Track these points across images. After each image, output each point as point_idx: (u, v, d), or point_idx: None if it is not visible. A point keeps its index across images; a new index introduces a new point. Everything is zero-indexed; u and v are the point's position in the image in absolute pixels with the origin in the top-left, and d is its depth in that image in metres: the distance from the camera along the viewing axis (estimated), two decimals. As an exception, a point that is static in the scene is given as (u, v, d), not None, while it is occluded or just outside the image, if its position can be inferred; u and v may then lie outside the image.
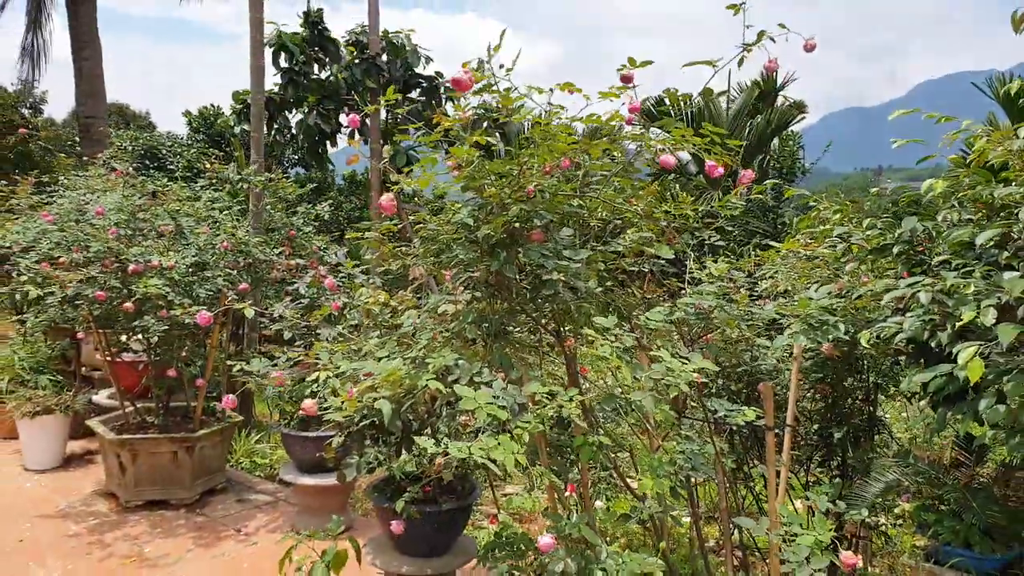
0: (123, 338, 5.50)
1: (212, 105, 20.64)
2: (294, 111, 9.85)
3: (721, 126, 2.59)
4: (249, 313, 4.19)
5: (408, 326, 2.77)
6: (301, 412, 2.83)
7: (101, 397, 6.70)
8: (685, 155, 2.55)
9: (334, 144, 10.45)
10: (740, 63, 2.51)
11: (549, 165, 2.58)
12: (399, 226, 5.30)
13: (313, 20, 9.29)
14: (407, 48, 9.70)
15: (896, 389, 4.23)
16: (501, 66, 2.83)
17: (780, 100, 14.09)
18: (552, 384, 2.30)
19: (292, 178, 10.30)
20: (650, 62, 2.42)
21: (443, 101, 9.81)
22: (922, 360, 3.22)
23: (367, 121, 10.18)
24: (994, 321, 2.37)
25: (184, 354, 5.04)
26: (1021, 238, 2.53)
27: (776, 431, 3.26)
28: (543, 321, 2.66)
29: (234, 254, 4.99)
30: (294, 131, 9.87)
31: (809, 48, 2.73)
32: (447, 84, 9.78)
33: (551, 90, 2.75)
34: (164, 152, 15.98)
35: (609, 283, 2.77)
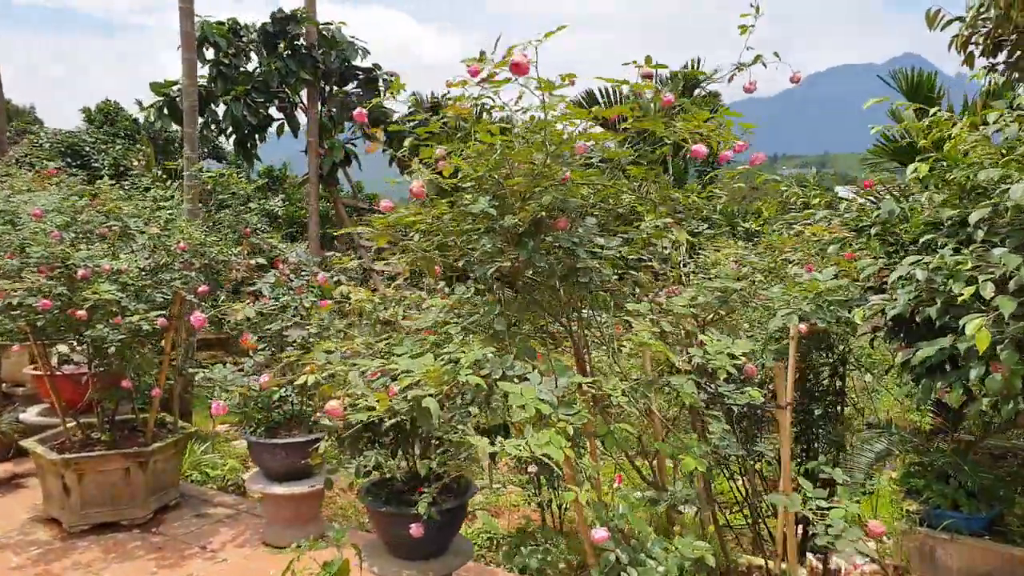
0: (63, 348, 5.11)
1: (109, 100, 19.49)
2: (220, 104, 9.42)
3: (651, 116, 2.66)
4: (250, 313, 3.97)
5: (429, 322, 2.68)
6: (316, 414, 2.69)
7: (30, 415, 6.22)
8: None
9: (263, 139, 10.07)
10: (710, 66, 2.56)
11: (569, 151, 2.56)
12: (361, 220, 5.14)
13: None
14: (340, 40, 9.43)
15: (860, 363, 4.44)
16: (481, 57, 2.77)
17: (697, 91, 14.56)
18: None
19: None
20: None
21: (382, 94, 9.61)
22: (902, 335, 3.39)
23: (304, 114, 9.87)
24: (993, 294, 2.51)
25: (138, 363, 4.73)
26: (1006, 217, 2.69)
27: (768, 410, 3.37)
28: (566, 310, 2.64)
29: (190, 255, 4.72)
30: (222, 125, 9.44)
31: (795, 80, 2.81)
32: (386, 76, 9.59)
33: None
34: (88, 150, 14.91)
35: (622, 270, 2.78)
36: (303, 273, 4.79)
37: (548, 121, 2.41)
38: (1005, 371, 2.51)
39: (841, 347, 4.06)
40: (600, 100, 13.48)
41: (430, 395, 2.09)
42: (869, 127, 5.22)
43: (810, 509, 2.39)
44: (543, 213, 2.47)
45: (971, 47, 6.01)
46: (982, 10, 5.91)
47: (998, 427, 3.27)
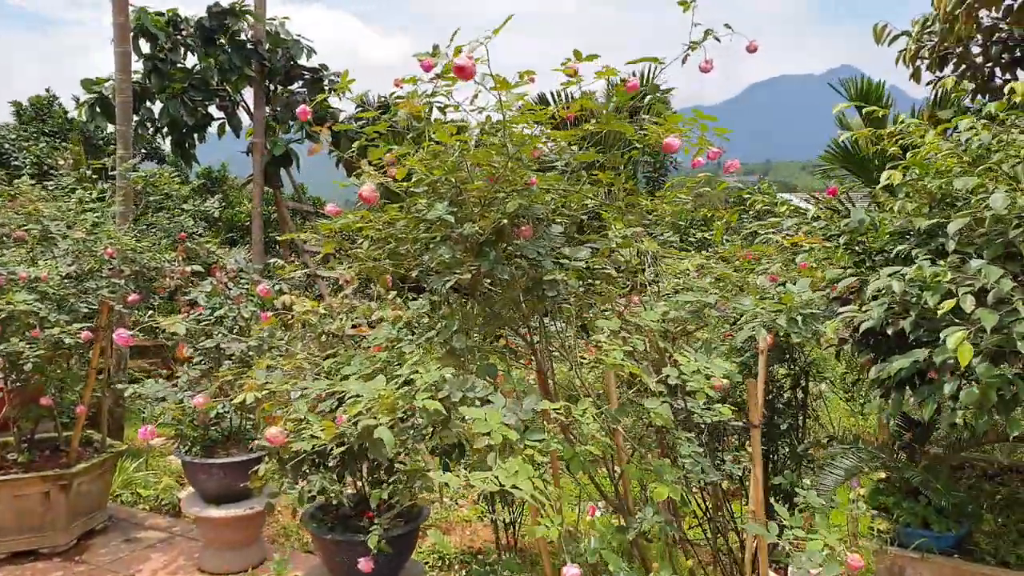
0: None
1: (47, 91, 18.47)
2: (156, 101, 8.93)
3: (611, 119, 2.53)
4: (180, 330, 3.66)
5: (380, 339, 2.45)
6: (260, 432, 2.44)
7: (-67, 436, 5.71)
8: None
9: (202, 139, 9.61)
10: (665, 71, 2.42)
11: (528, 155, 2.38)
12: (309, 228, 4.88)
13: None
14: (286, 38, 9.06)
15: (822, 375, 4.37)
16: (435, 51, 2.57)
17: (647, 98, 14.60)
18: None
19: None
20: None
21: (327, 94, 9.26)
22: (870, 348, 3.30)
23: (248, 114, 9.46)
24: (973, 307, 2.42)
25: (60, 378, 4.36)
26: (983, 227, 2.61)
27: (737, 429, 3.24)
28: (528, 323, 2.45)
29: (119, 261, 4.36)
30: (158, 123, 8.96)
31: (752, 49, 2.71)
32: (333, 77, 9.24)
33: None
34: (7, 147, 14.00)
35: (588, 282, 2.60)
36: (242, 281, 4.49)
37: (507, 121, 2.22)
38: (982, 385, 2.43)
39: (802, 359, 3.97)
40: (553, 104, 13.38)
41: (383, 424, 1.87)
42: (839, 135, 5.07)
43: (788, 540, 2.25)
44: (505, 221, 2.28)
45: (919, 61, 6.08)
46: (928, 24, 5.98)
47: (967, 442, 3.21)
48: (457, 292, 2.38)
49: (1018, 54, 5.42)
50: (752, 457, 2.66)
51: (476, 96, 2.74)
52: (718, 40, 2.54)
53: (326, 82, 9.33)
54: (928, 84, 6.22)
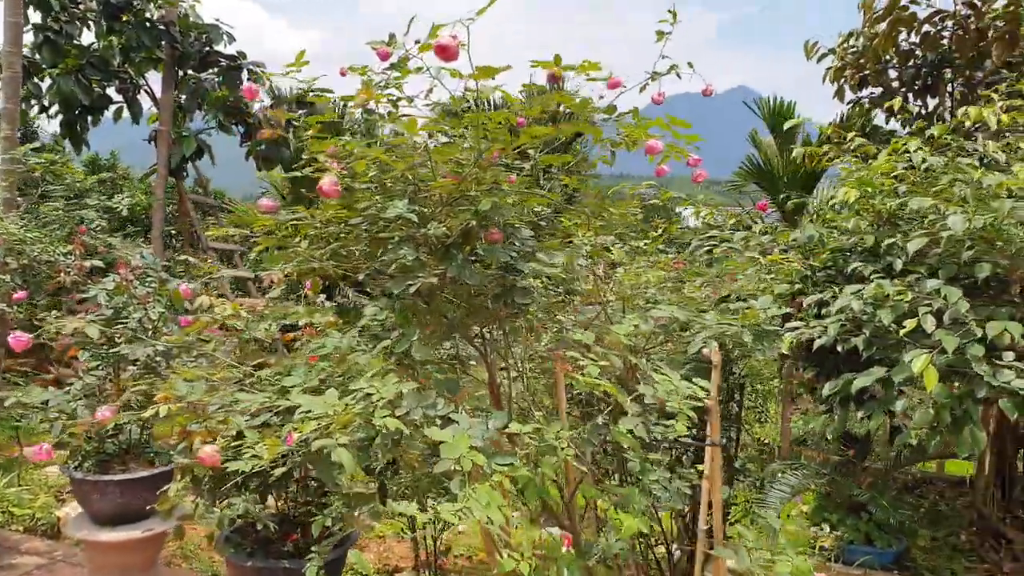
0: None
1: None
2: (44, 78, 8.16)
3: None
4: (93, 332, 3.24)
5: (329, 347, 2.20)
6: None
7: None
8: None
9: (96, 121, 8.85)
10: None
11: (495, 152, 2.20)
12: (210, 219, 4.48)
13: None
14: (193, 20, 8.49)
15: (756, 389, 4.40)
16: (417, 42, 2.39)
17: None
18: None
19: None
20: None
21: (243, 83, 8.73)
22: (816, 363, 3.31)
23: (152, 99, 8.80)
24: (933, 327, 2.43)
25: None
26: (940, 247, 2.64)
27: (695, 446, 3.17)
28: (480, 335, 2.26)
29: (3, 253, 3.85)
30: (44, 101, 8.19)
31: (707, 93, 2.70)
32: (252, 66, 8.72)
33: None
34: None
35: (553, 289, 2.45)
36: (148, 279, 4.08)
37: (485, 114, 2.03)
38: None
39: (738, 372, 3.97)
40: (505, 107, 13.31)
41: (340, 445, 1.64)
42: (800, 153, 5.07)
43: (758, 564, 2.16)
44: (474, 222, 2.09)
45: (843, 80, 6.32)
46: (851, 40, 6.22)
47: (907, 459, 3.26)
48: (411, 298, 2.16)
49: (928, 81, 5.71)
50: (710, 478, 2.57)
51: (431, 90, 2.56)
52: (679, 76, 2.53)
53: (244, 71, 8.81)
54: (850, 104, 6.47)
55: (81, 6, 7.90)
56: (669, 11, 2.53)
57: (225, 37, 8.93)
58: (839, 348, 2.86)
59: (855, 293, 2.58)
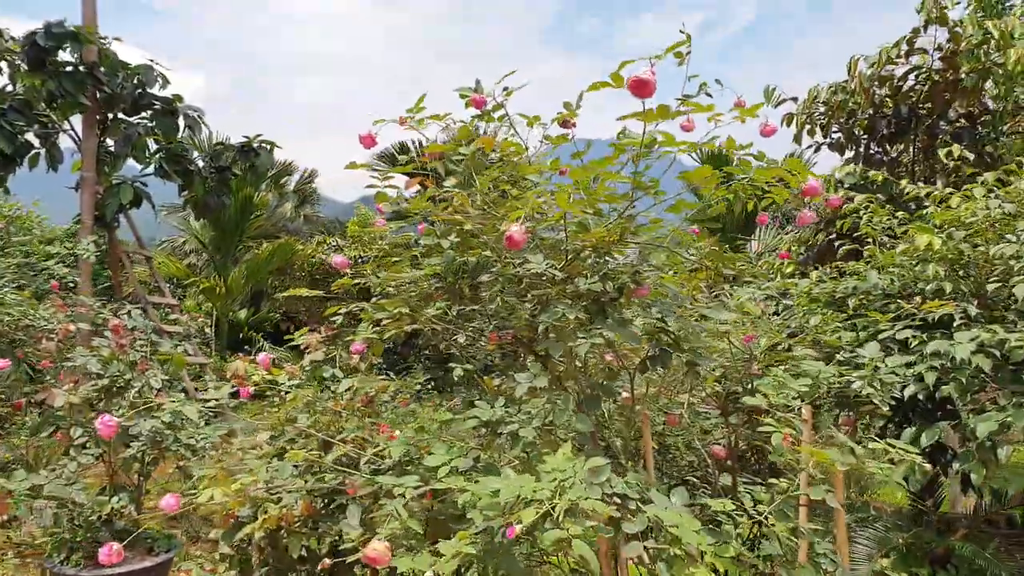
0: None
1: None
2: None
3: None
4: (75, 399, 2.80)
5: (485, 416, 1.92)
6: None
7: None
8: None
9: (12, 169, 8.10)
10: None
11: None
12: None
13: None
14: (117, 62, 7.95)
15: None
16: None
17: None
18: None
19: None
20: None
21: (182, 129, 8.21)
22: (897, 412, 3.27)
23: (76, 144, 8.13)
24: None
25: None
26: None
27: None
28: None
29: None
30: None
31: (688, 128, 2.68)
32: (189, 111, 8.21)
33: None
34: None
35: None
36: (138, 343, 3.65)
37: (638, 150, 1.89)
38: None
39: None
40: (413, 150, 13.19)
41: (578, 536, 1.41)
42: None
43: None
44: (627, 277, 1.93)
45: (807, 126, 6.62)
46: (816, 97, 6.53)
47: (987, 508, 3.26)
48: (564, 361, 1.97)
49: (894, 130, 6.04)
50: (839, 543, 2.44)
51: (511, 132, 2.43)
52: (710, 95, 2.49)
53: (180, 116, 8.29)
54: (810, 147, 6.78)
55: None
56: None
57: (159, 79, 8.42)
58: (920, 396, 2.83)
59: (972, 340, 2.55)
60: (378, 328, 2.35)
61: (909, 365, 2.69)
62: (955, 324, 2.71)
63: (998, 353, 2.53)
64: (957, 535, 3.05)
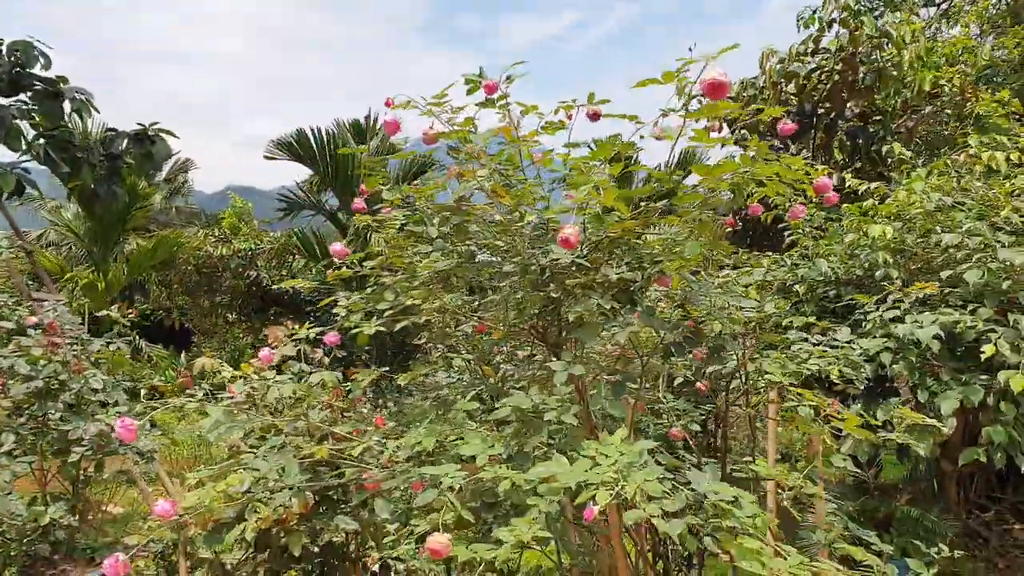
0: None
1: None
2: None
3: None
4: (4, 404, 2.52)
5: (526, 405, 1.90)
6: None
7: None
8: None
9: None
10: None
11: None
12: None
13: None
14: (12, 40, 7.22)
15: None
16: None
17: (376, 141, 14.58)
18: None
19: None
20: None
21: (68, 112, 7.51)
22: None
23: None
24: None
25: None
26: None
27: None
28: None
29: None
30: None
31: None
32: (77, 93, 7.52)
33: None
34: None
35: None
36: (68, 340, 3.37)
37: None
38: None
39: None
40: (313, 142, 12.79)
41: (656, 516, 1.44)
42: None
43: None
44: (648, 265, 1.98)
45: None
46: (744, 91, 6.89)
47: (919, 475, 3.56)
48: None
49: (797, 126, 6.50)
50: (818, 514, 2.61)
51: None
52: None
53: (65, 98, 7.60)
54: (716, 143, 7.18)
55: None
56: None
57: (41, 59, 7.70)
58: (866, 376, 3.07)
59: (934, 321, 2.79)
60: (381, 321, 2.29)
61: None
62: (903, 308, 2.97)
63: (943, 334, 2.79)
64: (902, 500, 3.34)
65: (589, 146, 2.35)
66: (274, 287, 16.45)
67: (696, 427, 3.37)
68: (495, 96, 2.36)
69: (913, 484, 3.66)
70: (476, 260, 2.30)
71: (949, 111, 6.68)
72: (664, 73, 1.80)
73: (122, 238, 14.34)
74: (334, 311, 2.37)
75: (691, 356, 2.77)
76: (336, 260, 2.44)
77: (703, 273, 2.49)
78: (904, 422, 2.04)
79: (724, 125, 7.01)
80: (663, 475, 1.66)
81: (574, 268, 1.94)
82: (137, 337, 14.17)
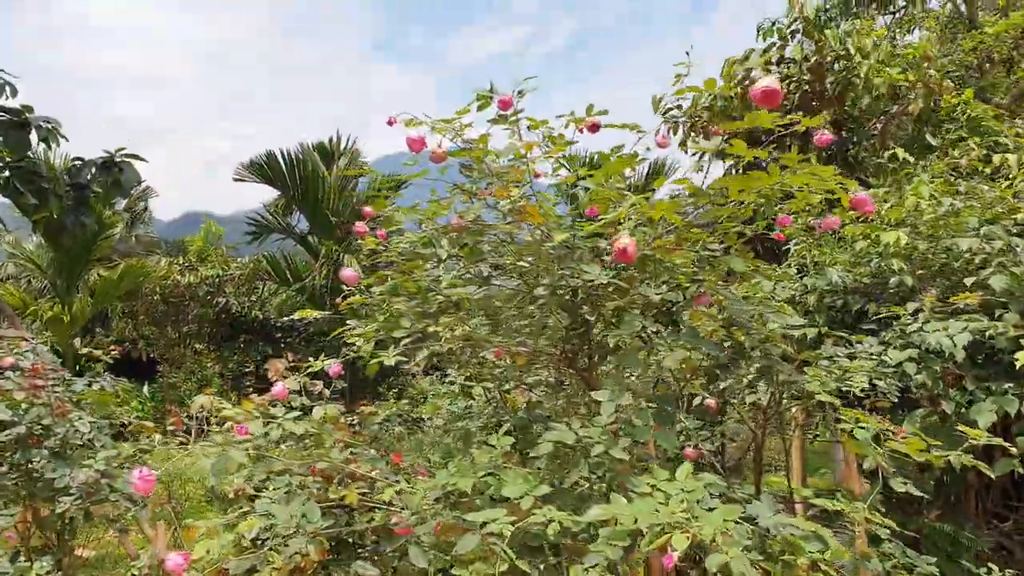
0: None
1: None
2: None
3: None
4: None
5: (570, 439, 1.77)
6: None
7: None
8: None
9: None
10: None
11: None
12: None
13: None
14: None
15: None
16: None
17: (344, 161, 14.42)
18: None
19: None
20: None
21: (35, 143, 7.23)
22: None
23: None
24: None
25: None
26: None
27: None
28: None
29: None
30: None
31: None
32: (42, 122, 7.24)
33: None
34: None
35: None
36: (51, 381, 3.17)
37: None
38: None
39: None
40: (283, 164, 12.60)
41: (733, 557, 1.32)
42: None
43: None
44: (689, 285, 1.89)
45: (692, 134, 7.03)
46: (701, 103, 6.93)
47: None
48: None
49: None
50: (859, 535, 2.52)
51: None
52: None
53: (32, 129, 7.32)
54: (695, 155, 7.18)
55: None
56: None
57: (6, 88, 7.43)
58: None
59: (936, 331, 2.73)
60: (397, 351, 2.16)
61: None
62: (921, 316, 2.92)
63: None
64: (931, 516, 3.27)
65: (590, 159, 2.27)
66: (245, 314, 16.10)
67: (709, 446, 3.28)
68: (508, 112, 2.26)
69: (941, 498, 3.59)
70: (490, 282, 2.20)
71: (909, 111, 6.71)
72: (707, 81, 1.72)
73: (86, 269, 13.92)
74: (333, 340, 2.23)
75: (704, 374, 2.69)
76: (345, 287, 2.30)
77: (731, 290, 2.40)
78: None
79: (699, 136, 7.02)
80: (742, 514, 1.55)
81: (611, 289, 1.83)
82: (102, 371, 13.69)
